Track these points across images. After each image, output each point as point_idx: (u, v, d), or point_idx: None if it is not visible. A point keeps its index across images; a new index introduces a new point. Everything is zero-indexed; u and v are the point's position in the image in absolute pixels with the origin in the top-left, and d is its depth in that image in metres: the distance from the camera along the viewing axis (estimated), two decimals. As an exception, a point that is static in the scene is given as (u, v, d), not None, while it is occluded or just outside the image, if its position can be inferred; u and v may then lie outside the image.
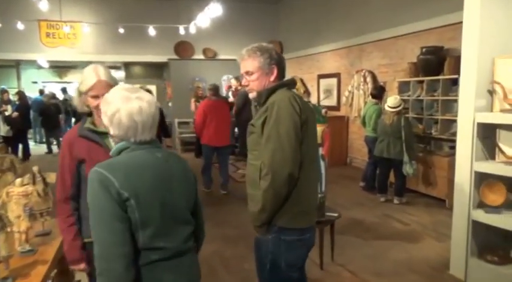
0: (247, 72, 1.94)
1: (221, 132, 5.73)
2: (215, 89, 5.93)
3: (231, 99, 8.79)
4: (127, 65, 11.78)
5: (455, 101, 5.14)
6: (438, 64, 5.38)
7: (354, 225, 4.38)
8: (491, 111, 2.95)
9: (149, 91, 10.34)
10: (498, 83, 2.86)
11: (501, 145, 2.84)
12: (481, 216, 2.91)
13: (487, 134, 2.93)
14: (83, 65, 14.07)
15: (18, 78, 11.50)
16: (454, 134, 5.18)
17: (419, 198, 5.41)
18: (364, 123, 5.91)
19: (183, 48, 10.28)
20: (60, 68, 15.41)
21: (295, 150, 1.81)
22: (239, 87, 8.54)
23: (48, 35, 9.38)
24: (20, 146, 9.21)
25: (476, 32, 2.92)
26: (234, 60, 10.35)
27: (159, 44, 10.02)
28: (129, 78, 11.87)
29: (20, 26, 8.56)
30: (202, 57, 10.42)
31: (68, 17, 9.12)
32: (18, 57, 9.50)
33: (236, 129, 9.02)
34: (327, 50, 8.52)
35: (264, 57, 1.90)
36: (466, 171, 3.02)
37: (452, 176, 4.79)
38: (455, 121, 5.18)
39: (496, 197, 2.88)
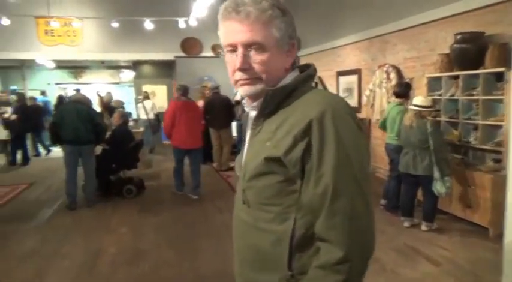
0: (249, 45, 1.04)
1: (192, 135, 5.51)
2: (184, 90, 5.62)
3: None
4: (136, 65, 11.15)
5: (501, 101, 4.06)
6: (477, 55, 4.28)
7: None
8: None
9: (146, 95, 9.81)
10: None
11: None
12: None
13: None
14: (94, 65, 13.67)
15: (23, 79, 11.10)
16: (500, 143, 4.10)
17: (454, 224, 4.32)
18: (384, 127, 4.87)
19: (190, 45, 9.53)
20: (75, 69, 15.04)
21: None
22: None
23: (46, 32, 8.86)
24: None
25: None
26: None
27: (165, 41, 9.35)
28: (138, 78, 11.25)
29: (14, 23, 8.08)
30: (211, 54, 9.63)
31: (60, 13, 8.56)
32: (16, 56, 9.01)
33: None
34: (346, 43, 7.50)
35: (287, 22, 1.07)
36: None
37: (497, 198, 3.75)
38: (501, 127, 4.10)
39: None
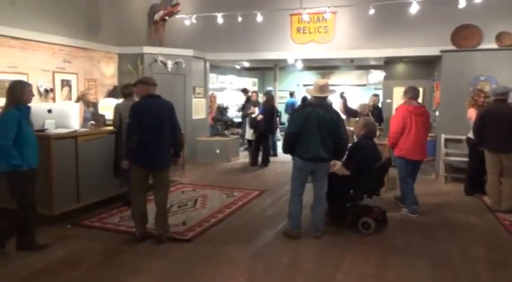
0: None
1: (421, 144, 5.10)
2: (414, 93, 5.18)
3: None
4: (388, 63, 9.59)
5: None
6: None
7: None
8: None
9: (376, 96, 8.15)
10: None
11: None
12: None
13: None
14: (343, 65, 12.81)
15: (275, 79, 11.29)
16: None
17: None
18: None
19: (464, 35, 7.24)
20: (324, 70, 14.75)
21: None
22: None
23: (298, 30, 8.41)
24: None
25: None
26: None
27: (430, 30, 7.45)
28: (388, 78, 9.67)
29: (268, 21, 8.00)
30: (494, 46, 7.07)
31: (312, 4, 7.93)
32: (269, 56, 8.94)
33: None
34: None
35: None
36: None
37: None
38: None
39: None
